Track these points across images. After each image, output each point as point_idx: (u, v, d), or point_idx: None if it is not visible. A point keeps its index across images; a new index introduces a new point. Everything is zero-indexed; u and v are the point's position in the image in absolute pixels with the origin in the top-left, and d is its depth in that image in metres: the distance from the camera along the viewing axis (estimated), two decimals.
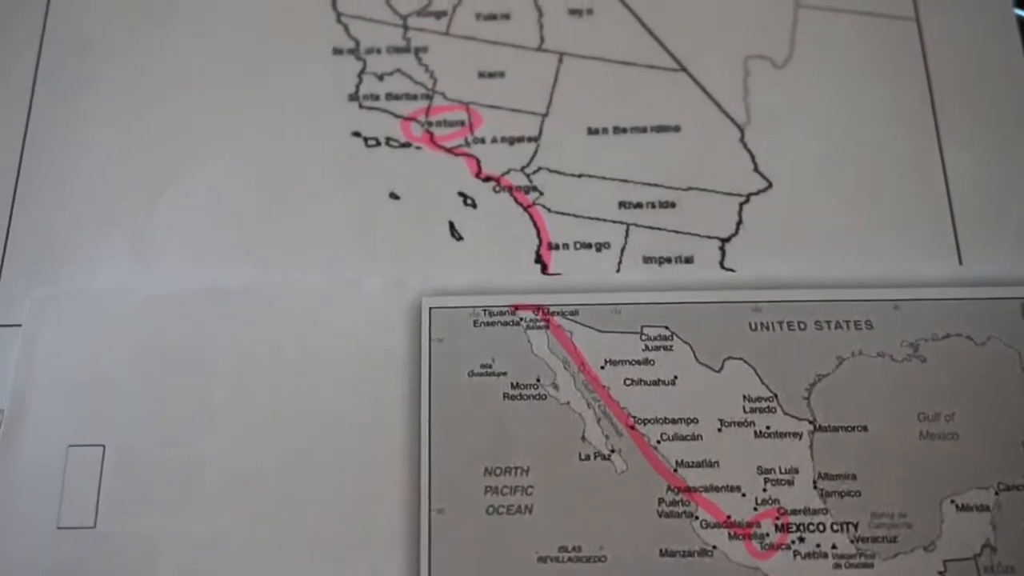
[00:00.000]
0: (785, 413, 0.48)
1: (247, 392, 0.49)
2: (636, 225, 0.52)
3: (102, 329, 0.50)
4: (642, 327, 0.49)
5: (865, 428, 0.47)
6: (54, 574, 0.47)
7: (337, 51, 0.56)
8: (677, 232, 0.52)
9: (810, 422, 0.47)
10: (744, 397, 0.48)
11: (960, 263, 0.51)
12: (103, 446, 0.48)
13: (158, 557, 0.47)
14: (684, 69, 0.55)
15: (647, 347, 0.49)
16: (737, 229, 0.52)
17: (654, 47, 0.55)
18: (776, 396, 0.48)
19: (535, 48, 0.56)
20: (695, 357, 0.49)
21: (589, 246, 0.52)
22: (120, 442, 0.48)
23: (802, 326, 0.49)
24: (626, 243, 0.52)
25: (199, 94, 0.55)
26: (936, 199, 0.52)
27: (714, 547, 0.46)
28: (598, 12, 0.56)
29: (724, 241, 0.52)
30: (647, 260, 0.51)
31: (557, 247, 0.52)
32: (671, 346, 0.49)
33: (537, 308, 0.50)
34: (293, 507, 0.47)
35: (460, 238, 0.52)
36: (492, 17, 0.56)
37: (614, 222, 0.52)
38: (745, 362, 0.48)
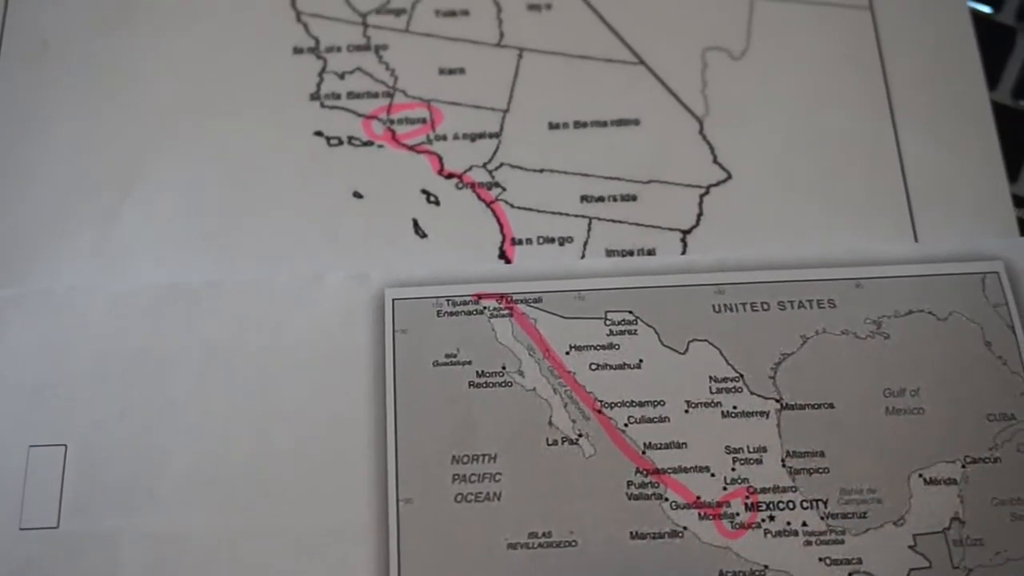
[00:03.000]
0: (751, 392, 0.48)
1: (211, 388, 0.48)
2: (598, 219, 0.52)
3: (64, 328, 0.49)
4: (606, 312, 0.49)
5: (831, 405, 0.47)
6: (18, 575, 0.46)
7: (297, 50, 0.56)
8: (639, 224, 0.52)
9: (777, 400, 0.47)
10: (710, 378, 0.48)
11: (916, 240, 0.51)
12: (65, 446, 0.48)
13: (123, 557, 0.46)
14: (643, 62, 0.55)
15: (611, 332, 0.49)
16: (698, 220, 0.52)
17: (613, 41, 0.56)
18: (742, 376, 0.48)
19: (495, 44, 0.56)
20: (660, 340, 0.49)
21: (552, 240, 0.52)
22: (83, 441, 0.48)
23: (765, 307, 0.49)
24: (589, 236, 0.52)
25: (160, 94, 0.55)
26: (892, 182, 0.52)
27: (684, 528, 0.46)
28: (556, 7, 0.57)
29: (685, 233, 0.52)
30: (610, 253, 0.51)
31: (520, 242, 0.52)
32: (635, 330, 0.49)
33: (500, 296, 0.49)
34: (259, 502, 0.47)
35: (424, 235, 0.52)
36: (451, 14, 0.56)
37: (576, 216, 0.52)
38: (710, 343, 0.48)
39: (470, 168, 0.53)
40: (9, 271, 0.51)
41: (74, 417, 0.48)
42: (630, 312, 0.49)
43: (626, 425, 0.47)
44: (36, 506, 0.47)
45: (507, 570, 0.45)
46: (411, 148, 0.54)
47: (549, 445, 0.47)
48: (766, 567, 0.45)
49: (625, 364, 0.48)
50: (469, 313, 0.49)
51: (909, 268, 0.49)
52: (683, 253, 0.51)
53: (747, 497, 0.46)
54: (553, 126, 0.54)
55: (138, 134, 0.54)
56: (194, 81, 0.55)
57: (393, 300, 0.49)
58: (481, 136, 0.54)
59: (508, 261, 0.51)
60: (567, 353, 0.49)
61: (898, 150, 0.53)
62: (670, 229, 0.52)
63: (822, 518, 0.46)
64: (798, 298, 0.49)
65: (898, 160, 0.52)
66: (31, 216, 0.52)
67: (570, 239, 0.52)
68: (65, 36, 0.56)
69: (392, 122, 0.54)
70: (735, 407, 0.47)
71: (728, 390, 0.48)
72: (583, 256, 0.51)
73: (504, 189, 0.53)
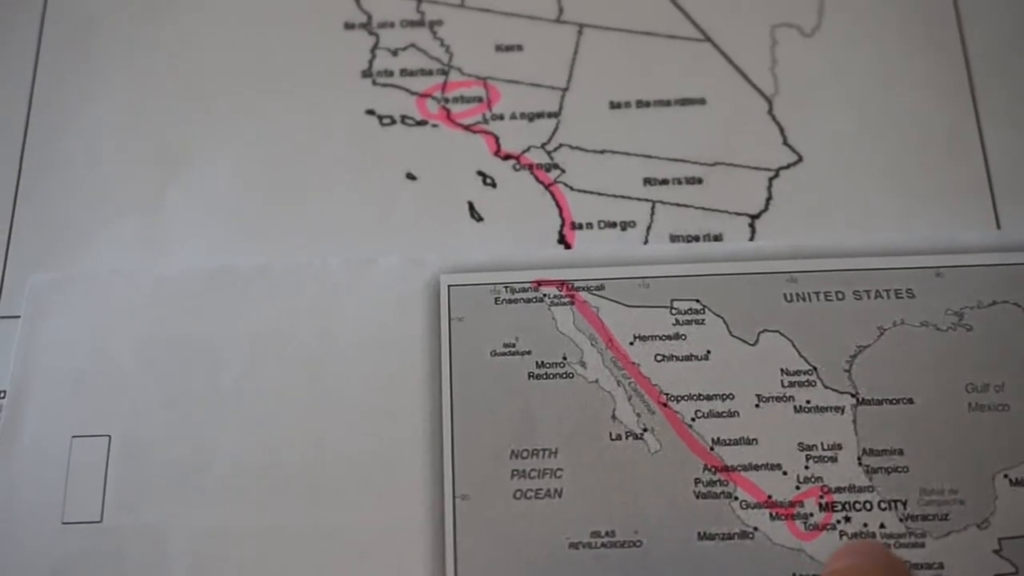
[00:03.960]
0: (826, 387, 0.46)
1: (259, 378, 0.47)
2: (662, 202, 0.50)
3: (108, 314, 0.48)
4: (672, 301, 0.47)
5: (911, 401, 0.45)
6: (60, 571, 0.45)
7: (349, 26, 0.54)
8: (704, 209, 0.50)
9: (852, 395, 0.45)
10: (782, 371, 0.46)
11: (999, 228, 0.48)
12: (108, 436, 0.46)
13: (169, 552, 0.45)
14: (709, 39, 0.53)
15: (677, 321, 0.47)
16: (767, 205, 0.50)
17: (677, 16, 0.54)
18: (816, 369, 0.46)
19: (554, 19, 0.54)
20: (728, 331, 0.47)
21: (614, 225, 0.50)
22: (126, 432, 0.46)
23: (840, 296, 0.47)
24: (652, 221, 0.50)
25: (207, 72, 0.53)
26: (973, 166, 0.50)
27: (755, 528, 0.44)
28: None
29: (754, 218, 0.50)
30: (674, 238, 0.50)
31: (580, 226, 0.50)
32: (703, 320, 0.47)
33: (561, 283, 0.48)
34: (310, 497, 0.45)
35: (480, 219, 0.50)
36: None
37: (639, 199, 0.51)
38: (781, 335, 0.46)
39: (528, 149, 0.52)
40: (53, 255, 0.50)
41: (118, 407, 0.47)
42: (697, 301, 0.47)
43: (693, 420, 0.45)
44: (79, 499, 0.45)
45: (568, 570, 0.44)
46: (467, 128, 0.52)
47: (612, 440, 0.45)
48: None
49: (692, 355, 0.46)
50: (528, 301, 0.47)
51: (992, 256, 0.47)
52: (751, 239, 0.49)
53: (821, 497, 0.44)
54: (614, 105, 0.52)
55: (184, 114, 0.52)
56: (242, 58, 0.54)
57: (449, 287, 0.48)
58: (539, 116, 0.52)
59: (568, 246, 0.49)
60: (631, 343, 0.47)
61: (979, 133, 0.50)
62: (737, 214, 0.50)
63: (901, 520, 0.44)
64: (875, 287, 0.47)
65: (980, 144, 0.50)
66: (75, 199, 0.51)
67: (632, 224, 0.50)
68: (110, 13, 0.55)
69: (447, 101, 0.52)
70: (808, 402, 0.45)
71: (801, 384, 0.46)
72: (646, 241, 0.49)
73: (563, 171, 0.51)
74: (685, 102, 0.52)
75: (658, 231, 0.50)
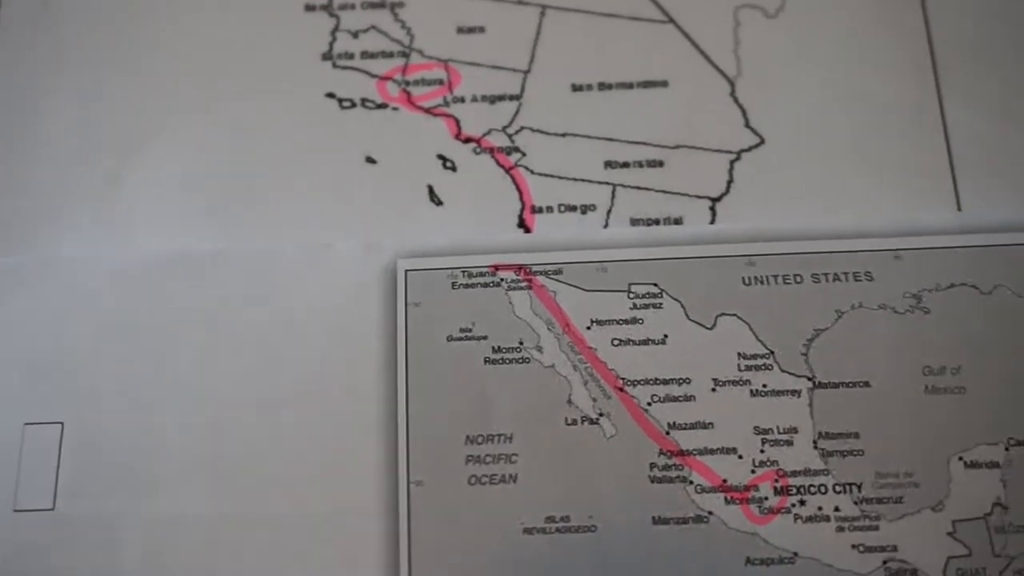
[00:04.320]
0: (782, 370, 0.45)
1: (215, 363, 0.47)
2: (623, 186, 0.50)
3: (63, 301, 0.48)
4: (630, 285, 0.47)
5: (867, 384, 0.45)
6: (12, 560, 0.45)
7: (309, 7, 0.54)
8: (665, 192, 0.50)
9: (809, 379, 0.45)
10: (739, 355, 0.46)
11: (959, 210, 0.48)
12: (61, 423, 0.46)
13: (122, 540, 0.45)
14: (672, 20, 0.53)
15: (635, 305, 0.47)
16: (728, 188, 0.50)
17: None
18: (772, 353, 0.46)
19: (516, 1, 0.54)
20: (686, 314, 0.46)
21: (574, 208, 0.50)
22: (80, 419, 0.46)
23: (798, 279, 0.46)
24: (612, 204, 0.50)
25: (165, 55, 0.53)
26: (934, 148, 0.50)
27: (710, 513, 0.44)
28: None
29: (715, 201, 0.50)
30: (634, 222, 0.49)
31: (540, 210, 0.50)
32: (660, 303, 0.47)
33: (519, 268, 0.47)
34: (264, 483, 0.45)
35: (440, 203, 0.50)
36: None
37: (600, 183, 0.50)
38: (739, 318, 0.46)
39: (489, 132, 0.51)
40: (8, 240, 0.50)
41: (71, 393, 0.46)
42: (655, 285, 0.47)
43: (649, 404, 0.45)
44: (31, 487, 0.45)
45: (523, 556, 0.44)
46: (427, 111, 0.51)
47: (568, 425, 0.45)
48: (795, 554, 0.43)
49: (649, 340, 0.46)
50: (485, 285, 0.47)
51: (952, 239, 0.47)
52: (712, 222, 0.49)
53: (776, 480, 0.44)
54: (576, 88, 0.52)
55: (141, 97, 0.52)
56: (200, 40, 0.53)
57: (406, 271, 0.47)
58: (501, 98, 0.52)
59: (527, 230, 0.49)
60: (588, 328, 0.46)
61: (942, 115, 0.50)
62: (698, 197, 0.50)
63: (856, 503, 0.44)
64: (833, 270, 0.47)
65: (942, 126, 0.50)
66: (31, 183, 0.50)
67: (593, 207, 0.50)
68: None
69: (408, 83, 0.52)
70: (765, 385, 0.45)
71: (758, 367, 0.46)
72: (606, 225, 0.49)
73: (524, 154, 0.51)
74: (647, 84, 0.52)
75: (618, 214, 0.49)
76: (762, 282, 0.47)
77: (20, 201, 0.50)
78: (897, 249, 0.47)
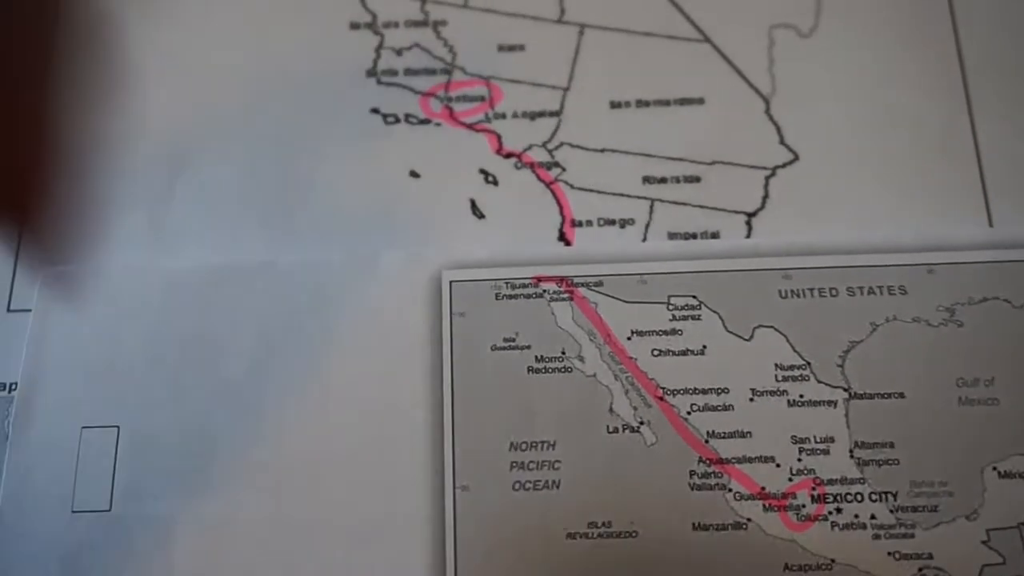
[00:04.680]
0: (819, 381, 0.46)
1: (265, 372, 0.48)
2: (660, 200, 0.51)
3: (117, 309, 0.49)
4: (669, 297, 0.48)
5: (902, 395, 0.46)
6: (69, 559, 0.46)
7: (354, 25, 0.55)
8: (702, 207, 0.51)
9: (845, 390, 0.46)
10: (776, 366, 0.47)
11: (991, 225, 0.49)
12: (117, 427, 0.47)
13: (175, 541, 0.46)
14: (708, 39, 0.54)
15: (674, 317, 0.48)
16: (763, 203, 0.51)
17: (677, 17, 0.54)
18: (809, 364, 0.46)
19: (555, 20, 0.55)
20: (724, 326, 0.47)
21: (613, 222, 0.51)
22: (135, 423, 0.47)
23: (834, 292, 0.47)
24: (651, 219, 0.51)
25: (213, 70, 0.54)
26: (966, 165, 0.51)
27: (748, 520, 0.45)
28: None
29: (751, 216, 0.50)
30: (672, 236, 0.50)
31: (580, 224, 0.51)
32: (699, 315, 0.48)
33: (560, 280, 0.48)
34: (313, 488, 0.46)
35: (482, 216, 0.51)
36: None
37: (638, 198, 0.51)
38: (776, 330, 0.47)
39: (529, 147, 0.52)
40: (66, 249, 0.50)
41: (127, 399, 0.47)
42: (694, 297, 0.48)
43: (689, 413, 0.46)
44: (88, 488, 0.46)
45: (566, 560, 0.44)
46: (469, 126, 0.53)
47: (609, 433, 0.46)
48: (833, 561, 0.44)
49: (688, 350, 0.47)
50: (528, 296, 0.48)
51: (983, 254, 0.48)
52: (748, 236, 0.50)
53: (813, 488, 0.45)
54: (615, 105, 0.53)
55: (191, 111, 0.53)
56: (248, 57, 0.54)
57: (451, 282, 0.48)
58: (541, 115, 0.53)
59: (568, 243, 0.50)
60: (628, 338, 0.47)
61: (973, 132, 0.51)
62: (735, 212, 0.51)
63: (891, 511, 0.45)
64: (867, 284, 0.48)
65: (973, 142, 0.51)
66: (83, 194, 0.51)
67: (631, 221, 0.51)
68: (119, 11, 0.55)
69: (450, 99, 0.53)
70: (802, 396, 0.46)
71: (794, 378, 0.46)
72: (644, 239, 0.50)
73: (564, 169, 0.52)
74: (684, 102, 0.53)
75: (656, 229, 0.50)
76: (798, 295, 0.48)
77: (71, 211, 0.51)
78: (930, 264, 0.48)
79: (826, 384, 0.46)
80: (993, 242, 0.48)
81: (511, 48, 0.54)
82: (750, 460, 0.45)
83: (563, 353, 0.47)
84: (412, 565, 0.45)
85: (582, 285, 0.48)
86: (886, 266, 0.48)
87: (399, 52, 0.54)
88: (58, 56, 0.53)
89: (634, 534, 0.45)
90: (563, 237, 0.50)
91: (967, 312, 0.47)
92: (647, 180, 0.51)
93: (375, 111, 0.53)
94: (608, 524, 0.45)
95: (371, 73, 0.54)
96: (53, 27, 0.54)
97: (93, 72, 0.53)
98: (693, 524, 0.45)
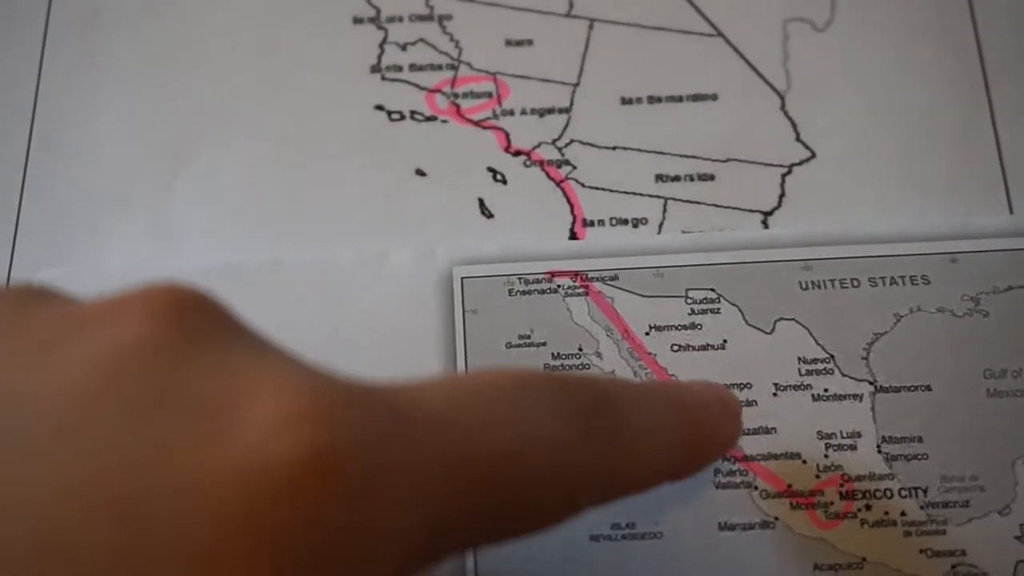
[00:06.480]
0: (843, 374, 0.45)
1: None
2: (674, 199, 0.50)
3: None
4: (687, 290, 0.47)
5: (929, 388, 0.45)
6: None
7: (357, 20, 0.54)
8: (717, 206, 0.50)
9: (870, 383, 0.45)
10: (799, 359, 0.46)
11: (1011, 212, 0.48)
12: None
13: None
14: (721, 34, 0.53)
15: (693, 311, 0.46)
16: (780, 202, 0.50)
17: (689, 11, 0.53)
18: (833, 357, 0.45)
19: (564, 14, 0.54)
20: (744, 319, 0.46)
21: (625, 221, 0.50)
22: None
23: (855, 283, 0.46)
24: (664, 218, 0.50)
25: (214, 67, 0.53)
26: (986, 158, 0.50)
27: (776, 518, 0.43)
28: None
29: (767, 215, 0.49)
30: (686, 235, 0.49)
31: (592, 223, 0.49)
32: (718, 309, 0.46)
33: (575, 274, 0.47)
34: None
35: (491, 215, 0.49)
36: None
37: (651, 196, 0.50)
38: (798, 323, 0.46)
39: (538, 145, 0.51)
40: (59, 250, 0.49)
41: None
42: (712, 290, 0.47)
43: None
44: None
45: (590, 563, 0.43)
46: (476, 123, 0.51)
47: None
48: (864, 559, 0.43)
49: (709, 345, 0.46)
50: (543, 292, 0.47)
51: (1006, 242, 0.47)
52: None
53: (841, 485, 0.44)
54: (626, 101, 0.52)
55: (192, 108, 0.52)
56: (249, 52, 0.53)
57: (462, 279, 0.47)
58: (550, 111, 0.52)
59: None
60: (647, 334, 0.46)
61: (992, 123, 0.50)
62: (750, 211, 0.50)
63: (922, 507, 0.43)
64: (890, 274, 0.47)
65: (993, 133, 0.50)
66: (82, 192, 0.50)
67: (644, 220, 0.50)
68: (116, 6, 0.54)
69: (456, 96, 0.52)
70: (826, 390, 0.45)
71: (818, 372, 0.45)
72: None
73: (574, 167, 0.50)
74: (697, 98, 0.52)
75: (670, 228, 0.49)
76: (819, 286, 0.46)
77: (69, 211, 0.50)
78: (953, 252, 0.47)
79: (851, 377, 0.45)
80: (1015, 229, 0.47)
81: (519, 43, 0.53)
82: (776, 457, 0.44)
83: (580, 350, 0.46)
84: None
85: (597, 279, 0.47)
86: (908, 255, 0.47)
87: (403, 47, 0.53)
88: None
89: (659, 535, 0.43)
90: (574, 236, 0.49)
91: (992, 301, 0.46)
92: (660, 178, 0.50)
93: (379, 107, 0.52)
94: (632, 525, 0.44)
95: (375, 69, 0.53)
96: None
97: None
98: (719, 523, 0.44)
